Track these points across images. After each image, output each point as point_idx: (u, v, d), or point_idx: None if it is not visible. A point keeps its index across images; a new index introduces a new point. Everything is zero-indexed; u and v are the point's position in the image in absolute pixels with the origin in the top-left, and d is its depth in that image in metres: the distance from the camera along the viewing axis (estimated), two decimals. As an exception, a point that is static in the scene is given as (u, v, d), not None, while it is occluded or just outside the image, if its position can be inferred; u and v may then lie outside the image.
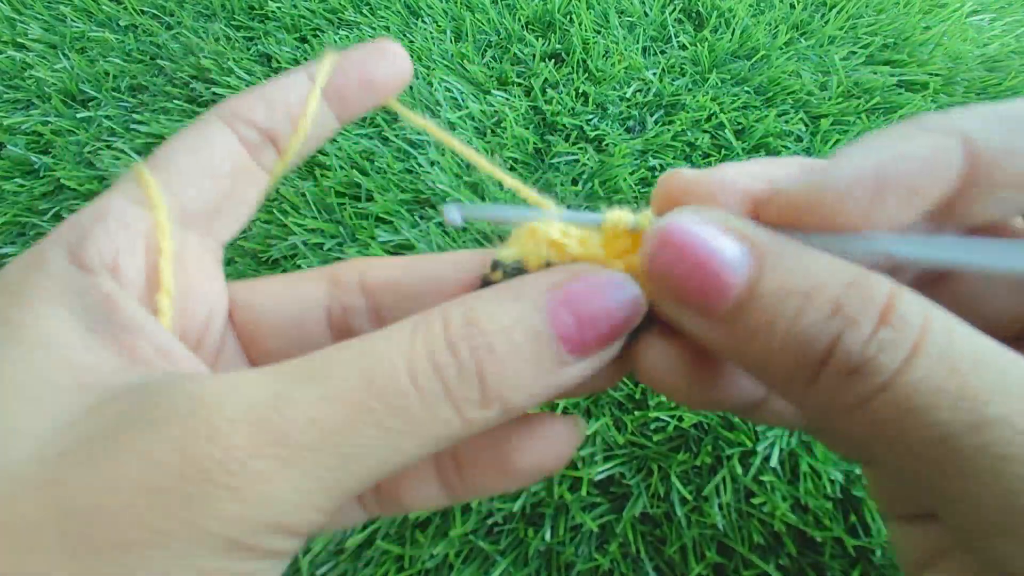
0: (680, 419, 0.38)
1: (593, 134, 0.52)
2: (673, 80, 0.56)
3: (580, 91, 0.55)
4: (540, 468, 0.23)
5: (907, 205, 0.18)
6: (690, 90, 0.55)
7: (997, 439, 0.16)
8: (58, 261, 0.19)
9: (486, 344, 0.18)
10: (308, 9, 0.61)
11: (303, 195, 0.48)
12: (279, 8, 0.61)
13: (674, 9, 0.61)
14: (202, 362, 0.21)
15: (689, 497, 0.36)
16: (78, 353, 0.18)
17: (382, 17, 0.60)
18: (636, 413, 0.38)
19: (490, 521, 0.36)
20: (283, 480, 0.16)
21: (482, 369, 0.18)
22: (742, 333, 0.18)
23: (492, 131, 0.51)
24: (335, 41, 0.57)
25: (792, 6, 0.62)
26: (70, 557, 0.15)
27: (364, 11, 0.61)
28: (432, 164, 0.49)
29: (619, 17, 0.60)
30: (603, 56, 0.57)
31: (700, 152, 0.51)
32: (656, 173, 0.50)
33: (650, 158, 0.50)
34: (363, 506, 0.26)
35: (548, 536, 0.35)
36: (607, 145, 0.51)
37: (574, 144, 0.51)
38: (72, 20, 0.62)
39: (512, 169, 0.50)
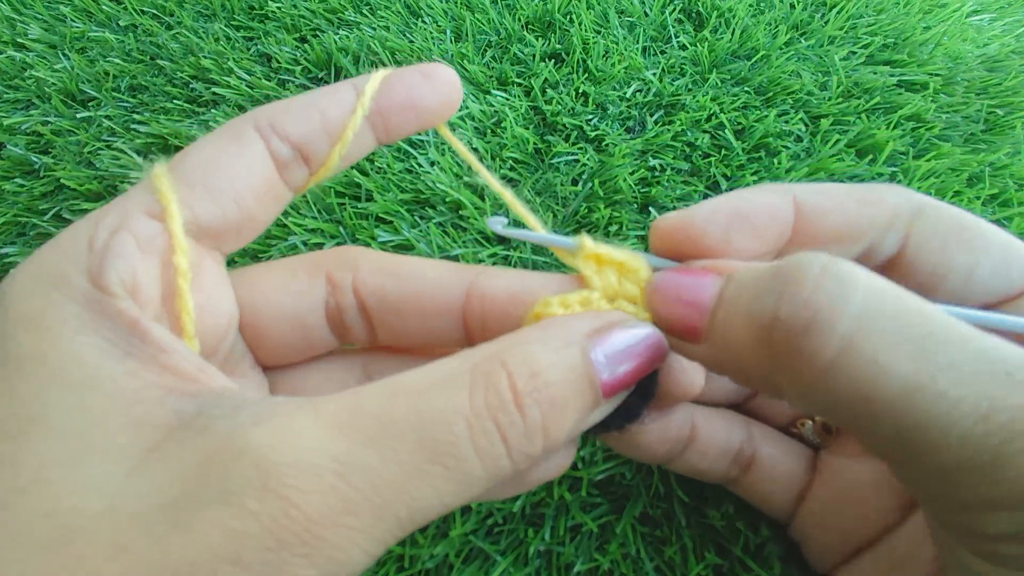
0: (680, 419, 0.38)
1: (593, 134, 0.52)
2: (673, 80, 0.56)
3: (580, 91, 0.55)
4: (544, 477, 0.25)
5: (755, 238, 0.23)
6: (690, 90, 0.55)
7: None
8: (79, 284, 0.18)
9: (550, 397, 0.19)
10: (308, 9, 0.61)
11: (303, 195, 0.48)
12: (279, 8, 0.61)
13: (674, 9, 0.61)
14: (220, 371, 0.21)
15: (689, 497, 0.36)
16: (122, 382, 0.18)
17: (382, 17, 0.60)
18: (636, 413, 0.38)
19: (490, 521, 0.36)
20: (352, 546, 0.17)
21: (548, 424, 0.19)
22: (719, 338, 0.21)
23: (492, 131, 0.51)
24: (335, 41, 0.57)
25: (792, 6, 0.62)
26: None
27: (364, 11, 0.61)
28: (432, 164, 0.49)
29: (619, 17, 0.60)
30: (603, 56, 0.57)
31: (700, 152, 0.51)
32: (656, 173, 0.50)
33: (650, 158, 0.50)
34: None
35: (548, 536, 0.35)
36: (607, 145, 0.51)
37: (574, 144, 0.51)
38: (72, 20, 0.62)
39: (512, 169, 0.50)
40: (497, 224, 0.27)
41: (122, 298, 0.19)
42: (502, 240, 0.46)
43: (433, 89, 0.25)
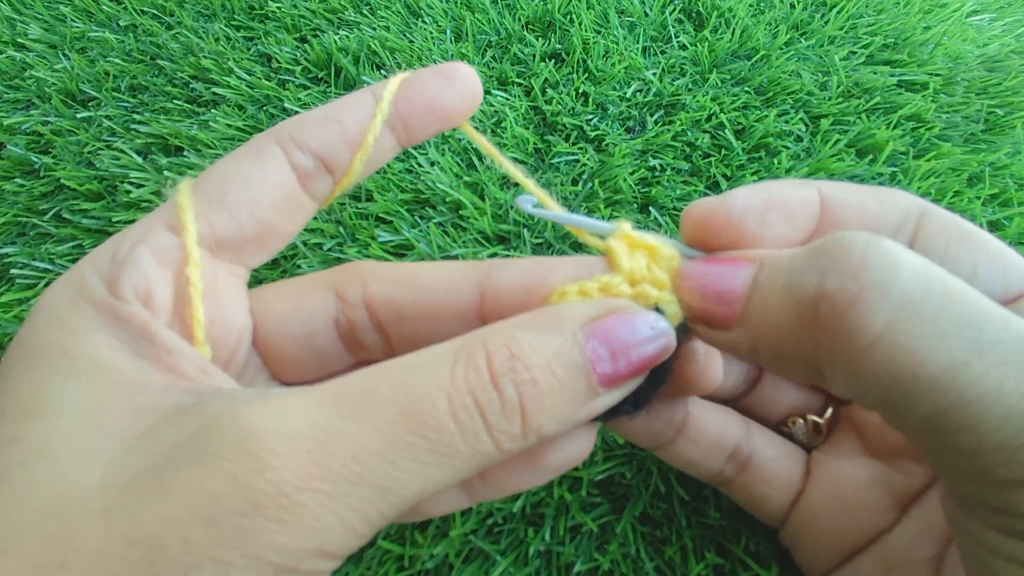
0: (680, 419, 0.38)
1: (593, 134, 0.52)
2: (673, 80, 0.56)
3: (580, 91, 0.55)
4: (567, 462, 0.24)
5: (789, 226, 0.23)
6: (690, 90, 0.55)
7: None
8: (98, 291, 0.20)
9: (530, 379, 0.19)
10: (308, 9, 0.61)
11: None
12: (279, 8, 0.61)
13: (674, 9, 0.61)
14: (232, 379, 0.21)
15: (689, 497, 0.36)
16: (129, 375, 0.19)
17: (382, 17, 0.60)
18: (636, 413, 0.38)
19: (490, 521, 0.36)
20: (327, 513, 0.17)
21: (525, 404, 0.19)
22: (755, 321, 0.21)
23: (492, 131, 0.51)
24: (335, 41, 0.57)
25: (792, 6, 0.62)
26: None
27: (364, 11, 0.61)
28: (432, 164, 0.49)
29: (619, 17, 0.60)
30: (603, 56, 0.57)
31: (700, 152, 0.51)
32: (656, 173, 0.50)
33: (650, 158, 0.50)
34: None
35: (548, 536, 0.35)
36: (607, 145, 0.51)
37: (574, 144, 0.51)
38: (72, 20, 0.62)
39: (512, 169, 0.50)
40: (527, 203, 0.26)
41: (132, 304, 0.20)
42: (502, 239, 0.46)
43: (452, 89, 0.25)
